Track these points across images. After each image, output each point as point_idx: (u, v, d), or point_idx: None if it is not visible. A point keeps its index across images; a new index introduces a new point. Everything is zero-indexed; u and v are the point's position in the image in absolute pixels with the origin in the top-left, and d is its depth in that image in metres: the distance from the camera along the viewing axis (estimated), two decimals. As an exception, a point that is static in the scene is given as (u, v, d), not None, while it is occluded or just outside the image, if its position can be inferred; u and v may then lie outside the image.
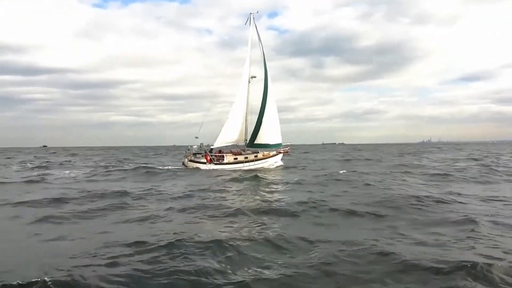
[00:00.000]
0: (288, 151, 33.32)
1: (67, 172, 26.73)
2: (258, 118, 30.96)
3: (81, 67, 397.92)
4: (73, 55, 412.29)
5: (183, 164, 29.40)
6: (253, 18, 31.24)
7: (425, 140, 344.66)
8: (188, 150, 30.36)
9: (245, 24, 31.59)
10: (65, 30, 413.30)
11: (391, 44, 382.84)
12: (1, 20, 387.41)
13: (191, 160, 28.93)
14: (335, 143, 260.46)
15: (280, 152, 31.93)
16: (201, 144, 29.30)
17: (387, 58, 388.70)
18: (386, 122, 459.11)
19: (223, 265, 6.14)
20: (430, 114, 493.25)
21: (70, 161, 43.90)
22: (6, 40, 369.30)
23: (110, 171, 27.40)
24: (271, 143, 31.30)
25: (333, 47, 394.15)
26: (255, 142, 31.12)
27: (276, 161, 31.27)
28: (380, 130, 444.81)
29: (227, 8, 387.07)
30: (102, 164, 36.81)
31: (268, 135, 31.06)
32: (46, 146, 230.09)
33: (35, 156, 60.96)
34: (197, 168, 27.83)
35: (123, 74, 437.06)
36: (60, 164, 37.39)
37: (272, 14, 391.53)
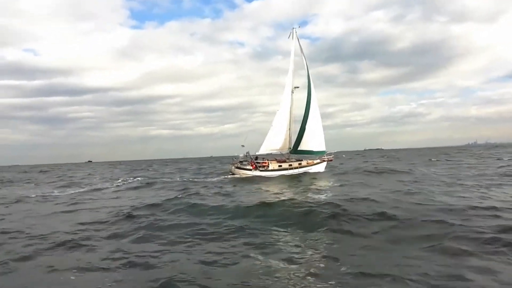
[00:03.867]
0: (332, 159, 33.51)
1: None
2: (301, 125, 31.58)
3: (122, 85, 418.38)
4: (115, 74, 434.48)
5: (230, 171, 30.60)
6: (296, 32, 31.96)
7: (470, 142, 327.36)
8: (235, 158, 31.42)
9: (288, 38, 32.39)
10: (106, 52, 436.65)
11: (428, 44, 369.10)
12: (52, 45, 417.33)
13: (237, 167, 30.06)
14: (378, 149, 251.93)
15: (324, 160, 32.11)
16: (247, 152, 30.22)
17: (425, 59, 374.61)
18: (428, 124, 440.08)
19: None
20: (475, 114, 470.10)
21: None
22: (55, 63, 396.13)
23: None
24: (314, 149, 31.70)
25: (366, 51, 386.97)
26: (299, 148, 31.80)
27: (320, 168, 31.42)
28: (422, 134, 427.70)
29: (257, 19, 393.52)
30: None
31: (312, 141, 31.49)
32: (91, 161, 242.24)
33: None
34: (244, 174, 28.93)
35: (162, 90, 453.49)
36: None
37: (303, 23, 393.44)
